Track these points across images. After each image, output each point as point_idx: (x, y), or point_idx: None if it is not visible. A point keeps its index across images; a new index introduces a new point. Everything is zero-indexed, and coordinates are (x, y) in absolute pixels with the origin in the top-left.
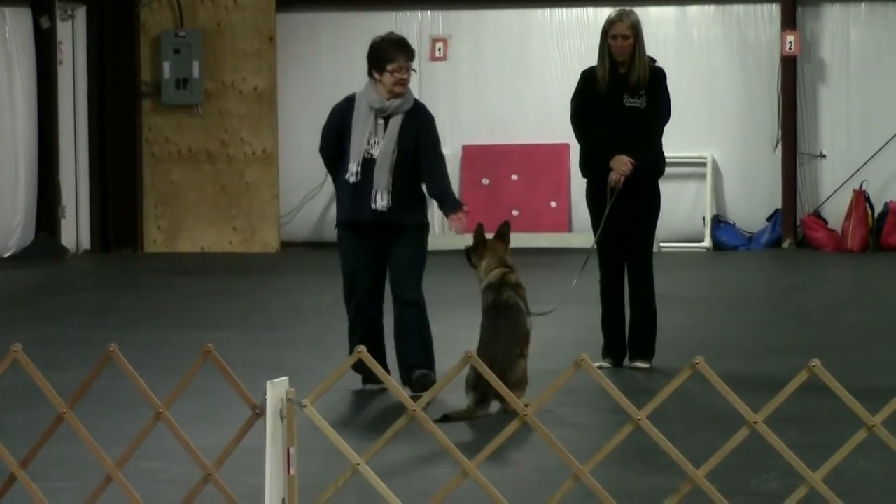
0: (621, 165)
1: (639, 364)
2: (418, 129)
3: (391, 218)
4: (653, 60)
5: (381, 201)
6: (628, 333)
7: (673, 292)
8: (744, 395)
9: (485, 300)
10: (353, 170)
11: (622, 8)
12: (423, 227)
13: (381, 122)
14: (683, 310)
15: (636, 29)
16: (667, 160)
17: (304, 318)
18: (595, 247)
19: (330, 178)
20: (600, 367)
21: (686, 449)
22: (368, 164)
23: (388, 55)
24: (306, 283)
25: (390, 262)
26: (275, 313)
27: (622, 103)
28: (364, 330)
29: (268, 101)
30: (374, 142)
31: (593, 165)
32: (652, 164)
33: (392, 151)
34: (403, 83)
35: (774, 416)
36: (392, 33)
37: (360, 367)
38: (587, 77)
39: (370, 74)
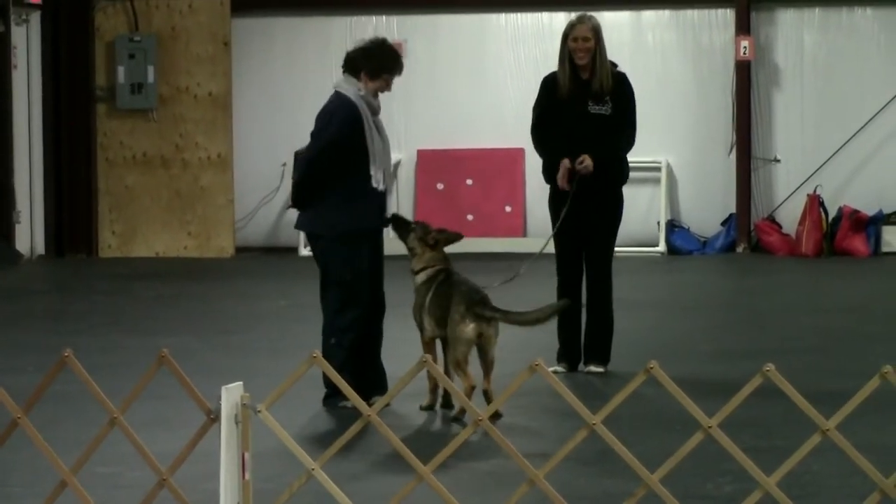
0: (584, 162)
1: (593, 368)
2: None
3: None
4: (614, 65)
5: (392, 206)
6: (584, 338)
7: (628, 297)
8: (698, 399)
9: (430, 283)
10: (379, 177)
11: (583, 12)
12: None
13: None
14: (638, 314)
15: (597, 32)
16: None
17: (259, 322)
18: (552, 240)
19: (288, 182)
20: (555, 372)
21: (641, 453)
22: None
23: (390, 66)
24: (261, 288)
25: (377, 266)
26: (230, 318)
27: (587, 110)
28: (356, 340)
29: (222, 106)
30: (384, 147)
31: (557, 173)
32: (617, 169)
33: (390, 154)
34: (382, 91)
35: (729, 420)
36: (386, 40)
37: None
38: (548, 83)
39: (356, 74)
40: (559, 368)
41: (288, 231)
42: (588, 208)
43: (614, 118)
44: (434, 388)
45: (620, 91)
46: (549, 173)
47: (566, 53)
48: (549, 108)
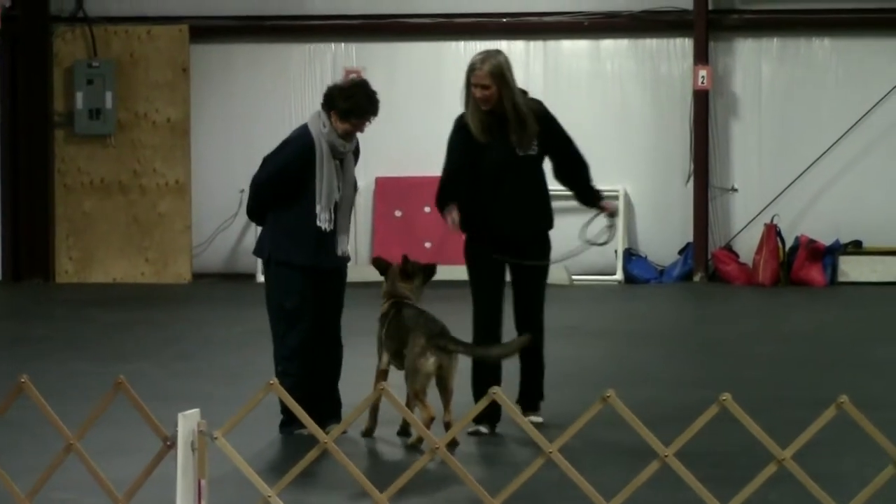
0: (612, 206)
1: (533, 418)
2: (355, 163)
3: (345, 260)
4: (524, 93)
5: (344, 245)
6: (519, 385)
7: (585, 325)
8: (655, 427)
9: (385, 316)
10: (325, 216)
11: (486, 51)
12: None
13: (337, 163)
14: (595, 342)
15: (497, 77)
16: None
17: (216, 349)
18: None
19: (245, 210)
20: (477, 433)
21: (597, 482)
22: (335, 208)
23: (361, 111)
24: (219, 315)
25: (326, 300)
26: (187, 344)
27: (513, 153)
28: (301, 366)
29: (181, 132)
30: (338, 185)
31: (482, 223)
32: (550, 212)
33: (352, 195)
34: (356, 132)
35: (685, 449)
36: (366, 83)
37: (284, 408)
38: (464, 126)
39: (327, 110)
40: (481, 429)
41: (245, 257)
42: (521, 255)
43: (540, 157)
44: (373, 412)
45: (544, 124)
46: (471, 218)
47: (470, 96)
48: (468, 153)
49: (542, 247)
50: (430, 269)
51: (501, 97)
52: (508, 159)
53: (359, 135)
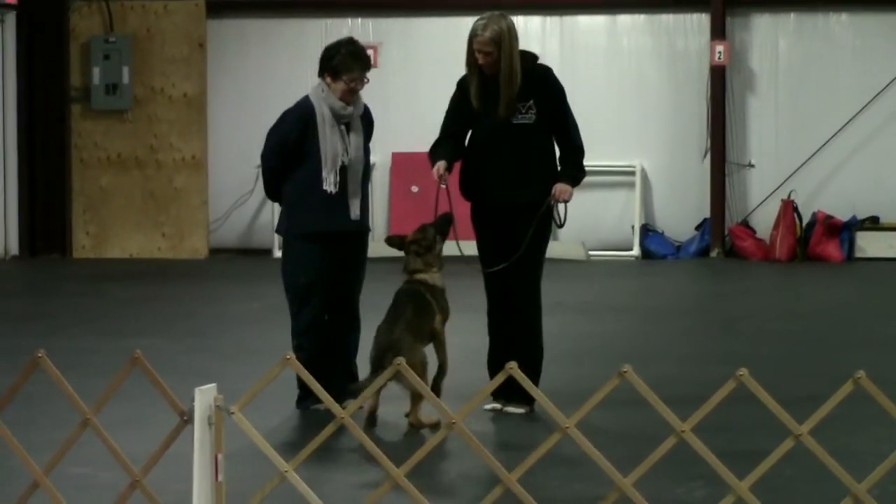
0: (562, 194)
1: (512, 409)
2: (369, 134)
3: (361, 225)
4: (534, 59)
5: (356, 210)
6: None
7: (601, 300)
8: (671, 403)
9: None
10: (331, 179)
11: (490, 14)
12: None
13: (343, 128)
14: (611, 318)
15: (499, 41)
16: (596, 168)
17: (232, 325)
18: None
19: (262, 186)
20: (492, 409)
21: (613, 457)
22: (342, 172)
23: (346, 65)
24: (234, 291)
25: (344, 273)
26: (203, 320)
27: (508, 120)
28: (315, 342)
29: (197, 107)
30: (344, 149)
31: (476, 191)
32: (542, 187)
33: (361, 159)
34: (354, 92)
35: (701, 425)
36: (352, 41)
37: (301, 384)
38: (465, 88)
39: (321, 76)
40: (497, 406)
41: (261, 233)
42: (518, 226)
43: (539, 125)
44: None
45: (544, 92)
46: (468, 191)
47: (473, 59)
48: (463, 116)
49: (534, 216)
50: (443, 225)
51: (500, 62)
52: (501, 127)
53: (376, 110)
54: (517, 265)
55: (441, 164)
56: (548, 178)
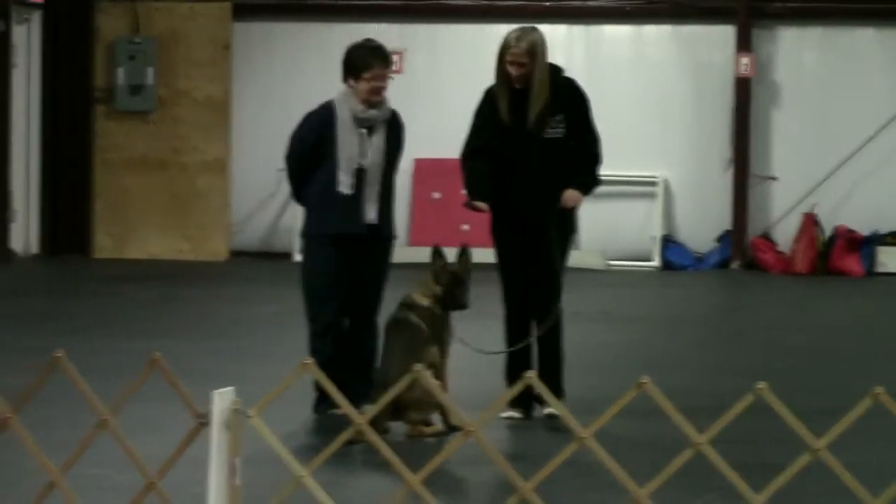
0: (570, 201)
1: (552, 411)
2: (397, 139)
3: (380, 230)
4: (559, 71)
5: (371, 213)
6: (538, 373)
7: (620, 310)
8: (689, 414)
9: None
10: (346, 181)
11: (522, 27)
12: (393, 241)
13: (364, 131)
14: (631, 328)
15: (534, 53)
16: (618, 178)
17: (251, 327)
18: (499, 268)
19: (288, 188)
20: (510, 418)
21: (629, 467)
22: (359, 174)
23: (365, 62)
24: (254, 293)
25: (361, 278)
26: (222, 323)
27: (537, 134)
28: (332, 345)
29: (221, 110)
30: (362, 152)
31: (505, 204)
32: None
33: (381, 163)
34: (379, 91)
35: (719, 437)
36: (369, 40)
37: (318, 388)
38: (493, 98)
39: (345, 81)
40: (515, 414)
41: (282, 236)
42: (542, 236)
43: (569, 139)
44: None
45: (571, 104)
46: (495, 199)
47: (503, 73)
48: (492, 129)
49: (564, 226)
50: (455, 277)
51: (533, 74)
52: (531, 142)
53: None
54: (541, 274)
55: (484, 207)
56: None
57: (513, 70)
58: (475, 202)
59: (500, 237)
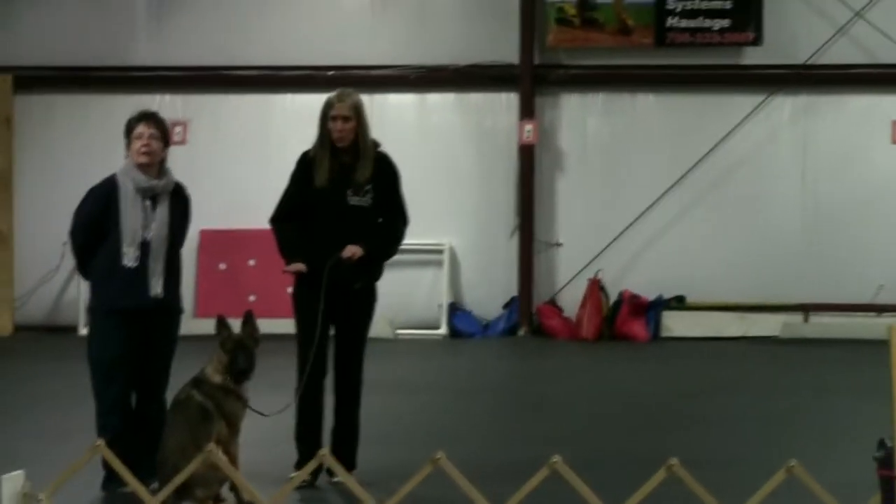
0: (348, 251)
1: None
2: (182, 211)
3: (167, 304)
4: (376, 144)
5: (157, 287)
6: (332, 445)
7: (408, 379)
8: (480, 483)
9: None
10: (130, 254)
11: (342, 89)
12: (181, 314)
13: (148, 203)
14: (420, 397)
15: (358, 110)
16: (405, 247)
17: (39, 405)
18: (297, 336)
19: (73, 261)
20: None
21: None
22: (144, 247)
23: (130, 125)
24: (42, 369)
25: (148, 352)
26: (8, 400)
27: (345, 201)
28: (120, 421)
29: (4, 183)
30: (146, 224)
31: (307, 262)
32: (377, 266)
33: (166, 236)
34: (147, 153)
35: None
36: (143, 109)
37: (107, 465)
38: (307, 164)
39: (127, 150)
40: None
41: (68, 310)
42: (342, 303)
43: (374, 210)
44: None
45: (382, 177)
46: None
47: (326, 135)
48: (304, 194)
49: (366, 300)
50: (239, 344)
51: (357, 134)
52: (340, 208)
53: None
54: (348, 343)
55: (300, 267)
56: (374, 262)
57: (337, 125)
58: (292, 264)
59: (301, 300)
